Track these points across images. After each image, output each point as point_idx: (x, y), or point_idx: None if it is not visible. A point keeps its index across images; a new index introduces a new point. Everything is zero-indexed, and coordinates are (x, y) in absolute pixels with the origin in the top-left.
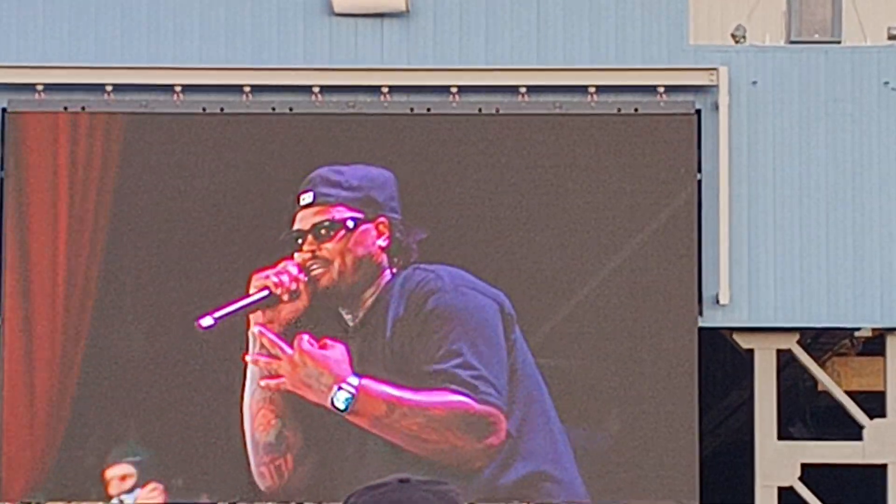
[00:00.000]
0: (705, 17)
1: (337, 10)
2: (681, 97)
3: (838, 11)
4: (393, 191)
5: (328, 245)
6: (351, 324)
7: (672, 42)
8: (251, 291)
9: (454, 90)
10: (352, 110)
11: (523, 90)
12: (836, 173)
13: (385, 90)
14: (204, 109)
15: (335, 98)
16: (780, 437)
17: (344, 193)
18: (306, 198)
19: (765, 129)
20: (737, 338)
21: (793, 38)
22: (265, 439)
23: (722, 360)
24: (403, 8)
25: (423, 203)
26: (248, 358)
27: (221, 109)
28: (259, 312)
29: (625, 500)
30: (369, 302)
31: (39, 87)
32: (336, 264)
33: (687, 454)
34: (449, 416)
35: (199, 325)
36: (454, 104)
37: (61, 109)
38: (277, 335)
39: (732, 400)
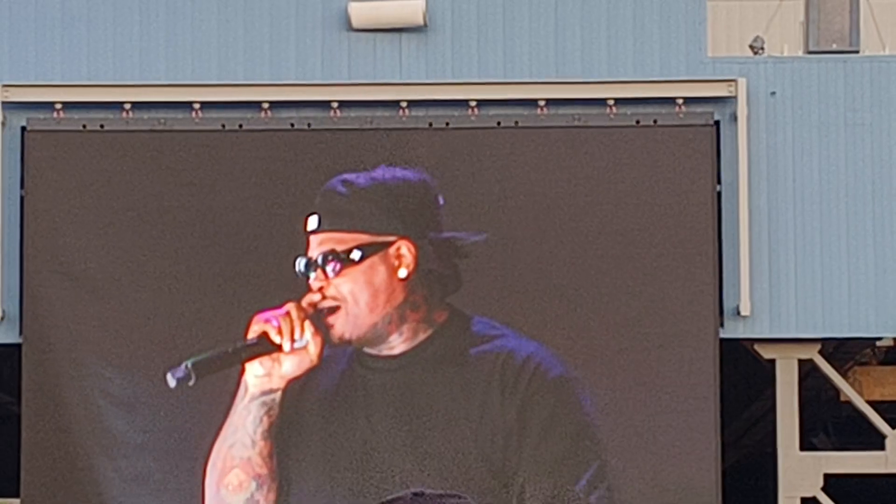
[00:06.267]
0: (723, 29)
1: (355, 24)
2: (699, 108)
3: (856, 21)
4: (422, 200)
5: (339, 280)
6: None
7: (690, 54)
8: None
9: (473, 104)
10: (370, 126)
11: (542, 103)
12: (856, 183)
13: (403, 105)
14: (223, 126)
15: (353, 113)
16: (802, 448)
17: (353, 213)
18: (311, 221)
19: (784, 140)
20: (758, 348)
21: (811, 49)
22: (233, 501)
23: (743, 372)
24: (421, 22)
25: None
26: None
27: (240, 126)
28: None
29: None
30: (398, 350)
31: (58, 106)
32: (348, 306)
33: (708, 466)
34: None
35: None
36: (473, 118)
37: (80, 128)
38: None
39: (754, 411)
